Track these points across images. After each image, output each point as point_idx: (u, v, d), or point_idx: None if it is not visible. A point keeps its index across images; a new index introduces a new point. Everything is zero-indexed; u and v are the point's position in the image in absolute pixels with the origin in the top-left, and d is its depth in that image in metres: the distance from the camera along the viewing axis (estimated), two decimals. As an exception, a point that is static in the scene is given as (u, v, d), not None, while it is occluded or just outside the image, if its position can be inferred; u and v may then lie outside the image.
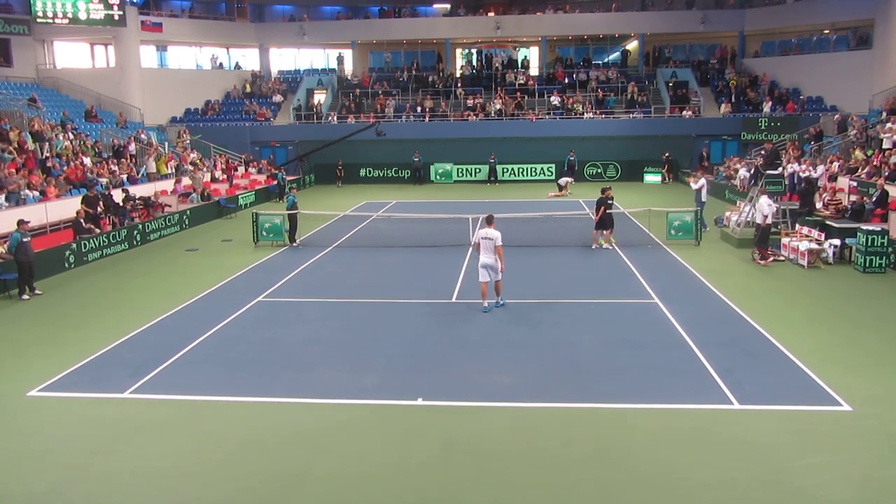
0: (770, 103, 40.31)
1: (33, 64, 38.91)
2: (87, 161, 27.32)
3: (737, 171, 29.24)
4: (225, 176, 34.68)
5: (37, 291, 16.72)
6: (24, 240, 16.48)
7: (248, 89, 46.63)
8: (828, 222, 19.77)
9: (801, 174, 23.89)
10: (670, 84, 43.67)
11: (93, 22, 37.11)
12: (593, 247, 20.57)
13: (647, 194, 32.95)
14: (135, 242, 22.78)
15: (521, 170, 41.22)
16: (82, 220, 21.10)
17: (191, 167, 33.12)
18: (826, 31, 42.69)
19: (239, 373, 11.15)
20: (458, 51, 51.34)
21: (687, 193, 27.29)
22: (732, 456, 8.22)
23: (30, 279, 16.63)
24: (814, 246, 18.17)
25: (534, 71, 48.44)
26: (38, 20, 36.30)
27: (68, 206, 22.41)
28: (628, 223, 23.76)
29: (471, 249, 20.55)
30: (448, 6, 50.96)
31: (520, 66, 48.51)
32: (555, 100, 43.13)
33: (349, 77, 48.71)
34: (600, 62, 49.76)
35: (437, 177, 41.66)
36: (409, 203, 32.00)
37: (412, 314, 14.41)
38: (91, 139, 30.47)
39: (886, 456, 8.19)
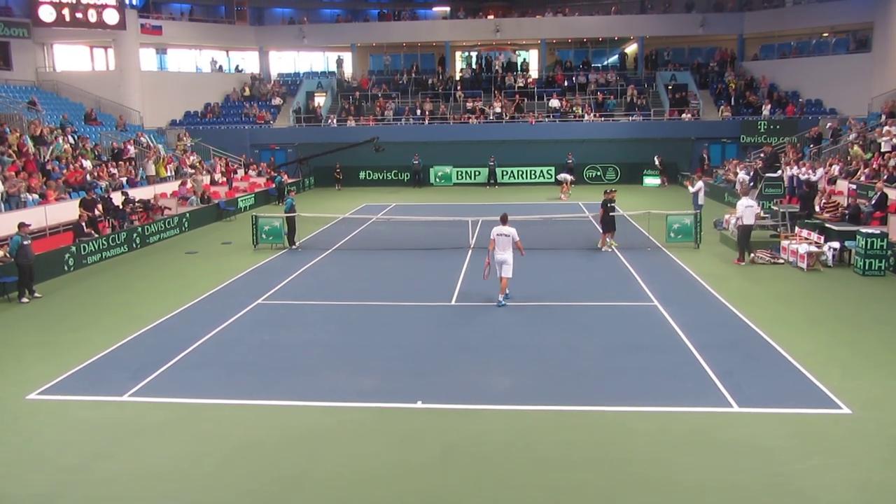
0: (769, 106, 40.37)
1: (33, 67, 38.95)
2: (87, 164, 27.32)
3: (736, 174, 29.24)
4: (224, 179, 34.69)
5: (36, 294, 16.72)
6: (25, 243, 16.49)
7: (248, 92, 46.66)
8: (827, 225, 19.79)
9: (800, 177, 23.92)
10: (669, 87, 43.74)
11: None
12: (600, 247, 20.62)
13: (646, 197, 32.97)
14: (134, 245, 22.77)
15: (520, 172, 41.25)
16: (83, 224, 21.10)
17: (191, 170, 33.13)
18: (825, 35, 42.78)
19: (238, 376, 11.14)
20: (458, 53, 51.42)
21: (686, 196, 27.30)
22: (732, 459, 8.22)
23: (30, 282, 16.63)
24: (813, 249, 18.18)
25: (533, 74, 48.48)
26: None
27: (68, 210, 22.42)
28: (628, 226, 23.78)
29: (470, 252, 20.61)
30: (448, 9, 51.09)
31: (519, 68, 48.58)
32: (554, 102, 43.18)
33: (349, 80, 48.77)
34: (600, 65, 49.84)
35: (437, 179, 41.69)
36: (408, 206, 32.00)
37: (412, 317, 14.41)
38: (90, 142, 30.49)
39: (886, 459, 8.18)
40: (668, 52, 47.98)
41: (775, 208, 21.85)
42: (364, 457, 8.46)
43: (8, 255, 16.92)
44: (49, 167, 25.13)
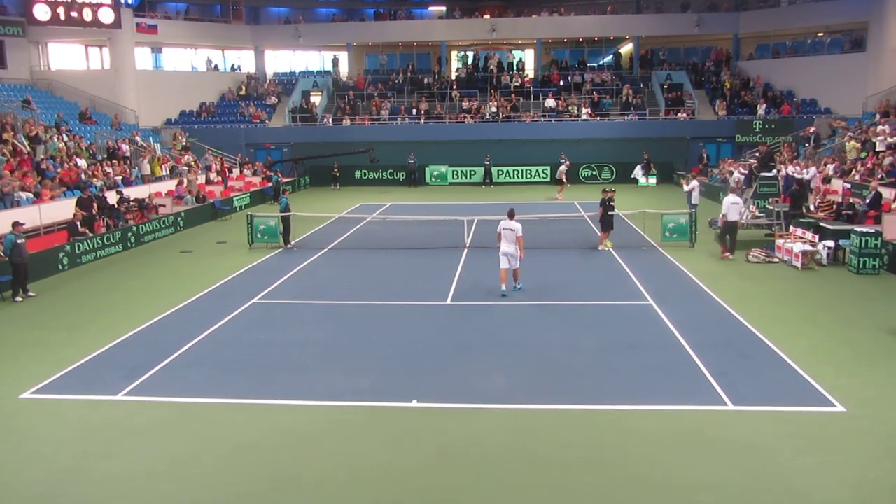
0: (764, 105, 40.43)
1: (27, 65, 38.81)
2: (82, 163, 27.25)
3: (731, 173, 29.30)
4: (220, 178, 34.63)
5: (30, 293, 16.66)
6: (19, 241, 16.42)
7: (244, 91, 46.59)
8: (822, 224, 19.83)
9: (795, 176, 23.98)
10: (665, 86, 43.84)
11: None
12: (599, 247, 20.67)
13: (641, 196, 32.99)
14: (129, 244, 22.72)
15: (516, 172, 41.27)
16: (78, 223, 21.04)
17: (186, 168, 33.07)
18: (820, 34, 42.87)
19: (233, 375, 11.12)
20: (454, 53, 51.41)
21: (680, 195, 27.33)
22: (728, 457, 8.23)
23: (24, 281, 16.57)
24: (808, 248, 18.21)
25: (529, 73, 48.51)
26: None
27: (62, 208, 22.35)
28: (623, 225, 23.80)
29: (465, 251, 20.63)
30: (443, 8, 51.09)
31: (515, 68, 48.59)
32: (550, 102, 43.22)
33: (344, 79, 48.73)
34: (595, 64, 49.87)
35: (433, 179, 41.67)
36: (404, 205, 31.98)
37: (407, 316, 14.40)
38: (85, 141, 30.41)
39: (881, 456, 8.20)
40: (663, 52, 48.05)
41: (770, 207, 21.91)
42: (359, 456, 8.45)
43: (1, 253, 16.86)
44: (44, 166, 25.06)
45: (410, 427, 9.24)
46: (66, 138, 28.90)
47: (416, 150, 40.88)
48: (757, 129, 38.38)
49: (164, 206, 27.04)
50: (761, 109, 40.20)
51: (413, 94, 45.55)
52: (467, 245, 21.46)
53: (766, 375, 10.68)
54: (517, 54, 50.42)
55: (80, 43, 42.00)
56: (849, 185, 23.70)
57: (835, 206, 21.47)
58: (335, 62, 49.79)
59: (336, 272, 18.78)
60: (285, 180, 37.27)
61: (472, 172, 41.44)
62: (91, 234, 21.24)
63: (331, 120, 43.39)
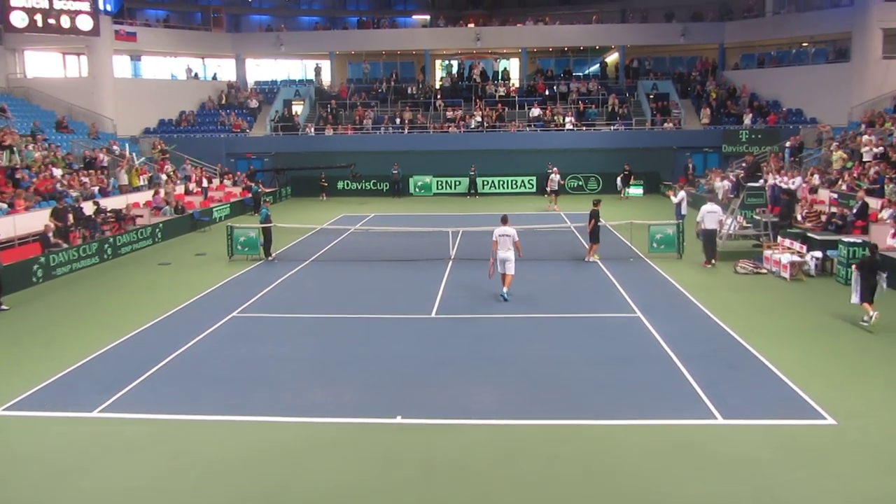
0: (751, 115, 40.78)
1: (4, 73, 38.42)
2: (58, 172, 27.00)
3: (721, 180, 29.41)
4: (199, 188, 34.44)
5: (3, 307, 16.43)
6: (-9, 254, 16.22)
7: (224, 100, 46.46)
8: (809, 234, 19.98)
9: (782, 185, 24.16)
10: (651, 96, 44.11)
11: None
12: (588, 259, 20.72)
13: (628, 207, 33.15)
14: (106, 256, 22.50)
15: (501, 182, 41.35)
16: (50, 235, 20.80)
17: (164, 177, 32.86)
18: (805, 44, 43.38)
19: (213, 391, 11.02)
20: (438, 62, 51.54)
21: (668, 206, 27.47)
22: (718, 471, 8.23)
23: (-4, 294, 16.36)
24: (796, 258, 18.34)
25: (514, 82, 48.69)
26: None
27: (37, 219, 22.09)
28: (610, 236, 23.88)
29: (450, 263, 20.60)
30: (427, 17, 51.24)
31: (500, 77, 48.78)
32: (535, 111, 43.39)
33: (327, 88, 48.71)
34: (581, 74, 50.16)
35: (417, 189, 41.65)
36: (387, 216, 31.95)
37: (391, 330, 14.34)
38: (62, 150, 30.14)
39: (872, 469, 8.23)
40: (649, 62, 48.41)
41: (758, 218, 22.06)
42: (342, 474, 8.37)
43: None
44: (18, 175, 24.79)
45: (395, 443, 9.16)
46: (42, 147, 28.59)
47: (399, 161, 40.89)
48: (743, 139, 38.68)
49: (141, 216, 26.84)
50: (747, 119, 40.55)
51: (396, 103, 45.56)
52: (452, 257, 21.44)
53: (756, 388, 10.70)
54: (502, 63, 50.66)
55: (58, 50, 41.68)
56: (835, 196, 23.91)
57: (822, 217, 21.66)
58: (317, 71, 49.76)
59: (318, 285, 18.69)
60: (266, 191, 37.10)
61: (457, 183, 41.47)
62: (66, 246, 21.01)
63: (313, 129, 43.32)
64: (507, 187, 41.37)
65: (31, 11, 35.37)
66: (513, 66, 50.65)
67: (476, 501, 7.73)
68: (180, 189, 32.79)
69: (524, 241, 17.15)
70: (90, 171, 29.02)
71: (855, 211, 21.09)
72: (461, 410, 10.09)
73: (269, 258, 21.89)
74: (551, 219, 29.01)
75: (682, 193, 24.30)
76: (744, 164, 29.29)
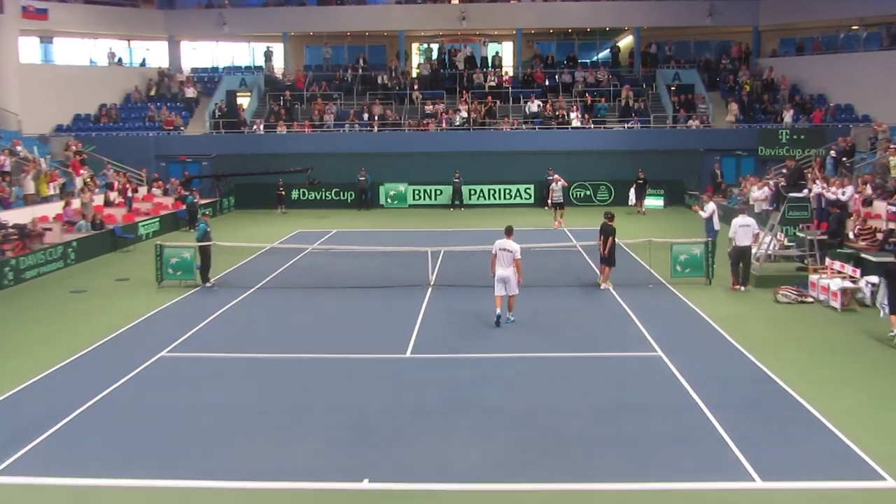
0: (792, 112, 41.12)
1: None
2: (-54, 180, 26.81)
3: (760, 188, 29.48)
4: (122, 199, 34.26)
5: None
6: None
7: (154, 91, 46.35)
8: (863, 256, 20.11)
9: (830, 196, 24.33)
10: (673, 88, 44.47)
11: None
12: (602, 286, 20.83)
13: (646, 222, 33.31)
14: (6, 282, 22.33)
15: (492, 192, 41.46)
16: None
17: (80, 185, 32.68)
18: (855, 28, 43.96)
19: (136, 449, 10.91)
20: (415, 45, 51.81)
21: (693, 220, 27.62)
22: (755, 547, 8.22)
23: None
24: (848, 284, 18.46)
25: (507, 71, 48.93)
26: None
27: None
28: (625, 258, 23.90)
29: (429, 291, 20.60)
30: (402, -9, 51.54)
31: (490, 64, 49.04)
32: (533, 106, 43.62)
33: (280, 77, 48.77)
34: (588, 61, 50.56)
35: (388, 200, 41.67)
36: (352, 233, 31.94)
37: (357, 373, 14.29)
38: (-48, 152, 29.93)
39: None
40: (669, 47, 48.83)
41: (801, 235, 22.19)
42: (296, 552, 8.28)
43: None
44: None
45: (361, 514, 9.10)
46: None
47: (367, 165, 40.80)
48: (783, 141, 38.88)
49: (50, 228, 26.67)
50: (788, 116, 40.92)
51: (365, 95, 45.69)
52: (432, 283, 21.43)
53: (801, 443, 10.74)
54: (492, 48, 50.94)
55: (-52, 30, 41.54)
56: (894, 209, 24.12)
57: (878, 234, 21.82)
58: (268, 56, 49.85)
59: (267, 317, 18.62)
60: (204, 202, 36.97)
61: (438, 192, 41.57)
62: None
63: (262, 127, 43.26)
64: (499, 197, 41.48)
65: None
66: (506, 51, 50.98)
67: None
68: (99, 200, 32.60)
69: (523, 262, 17.14)
70: (-13, 178, 28.85)
71: (918, 227, 21.28)
72: (441, 472, 10.04)
73: (208, 284, 21.79)
74: (554, 236, 29.06)
75: (711, 205, 24.16)
76: (784, 171, 29.50)
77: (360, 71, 48.09)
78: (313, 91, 46.20)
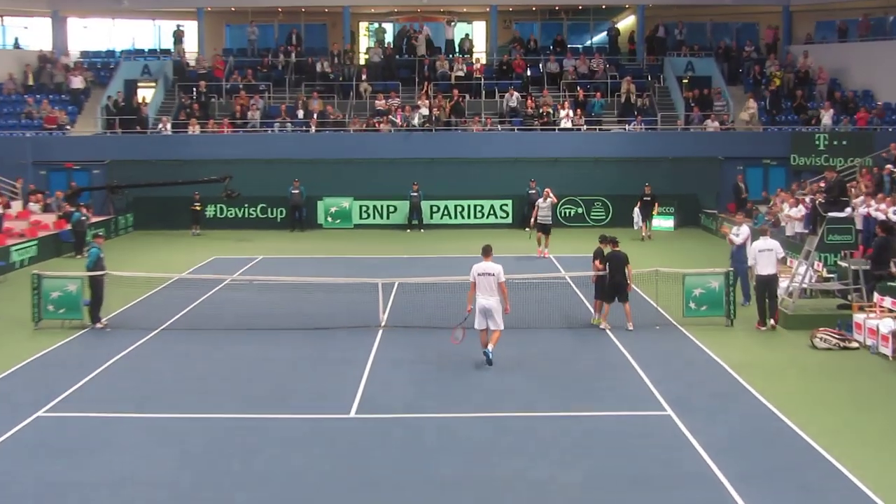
0: (831, 112, 41.42)
1: None
2: None
3: (784, 209, 29.73)
4: (-11, 216, 34.00)
5: None
6: None
7: (32, 80, 46.10)
8: (919, 291, 20.38)
9: (878, 216, 24.59)
10: (685, 81, 44.84)
11: None
12: (601, 325, 20.99)
13: (652, 247, 33.52)
14: None
15: (459, 209, 41.59)
16: None
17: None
18: (907, 8, 44.79)
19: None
20: (364, 25, 52.07)
21: (710, 244, 27.81)
22: None
23: None
24: (900, 326, 18.67)
25: (480, 57, 49.18)
26: None
27: None
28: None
29: (380, 333, 20.59)
30: (348, -42, 51.84)
31: (458, 49, 49.27)
32: (511, 101, 43.80)
33: (192, 64, 48.66)
34: (580, 46, 51.00)
35: (329, 219, 41.66)
36: (283, 260, 31.94)
37: (289, 437, 14.28)
38: None
39: None
40: (680, 30, 49.31)
41: (843, 264, 22.34)
42: None
43: None
44: None
45: None
46: None
47: (303, 175, 40.64)
48: (821, 147, 39.15)
49: None
50: (826, 117, 41.26)
51: (300, 86, 45.78)
52: (383, 324, 21.44)
53: (844, 523, 10.84)
54: (461, 29, 51.23)
55: None
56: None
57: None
58: (178, 37, 49.78)
59: (174, 367, 18.54)
60: (94, 220, 36.71)
61: (392, 209, 41.62)
62: None
63: (169, 126, 43.05)
64: (469, 216, 41.60)
65: None
66: (477, 33, 51.37)
67: None
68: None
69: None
70: None
71: None
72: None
73: (98, 325, 21.63)
74: (539, 266, 29.16)
75: (745, 229, 23.54)
76: (822, 185, 29.86)
77: (295, 56, 48.13)
78: (235, 81, 46.16)
